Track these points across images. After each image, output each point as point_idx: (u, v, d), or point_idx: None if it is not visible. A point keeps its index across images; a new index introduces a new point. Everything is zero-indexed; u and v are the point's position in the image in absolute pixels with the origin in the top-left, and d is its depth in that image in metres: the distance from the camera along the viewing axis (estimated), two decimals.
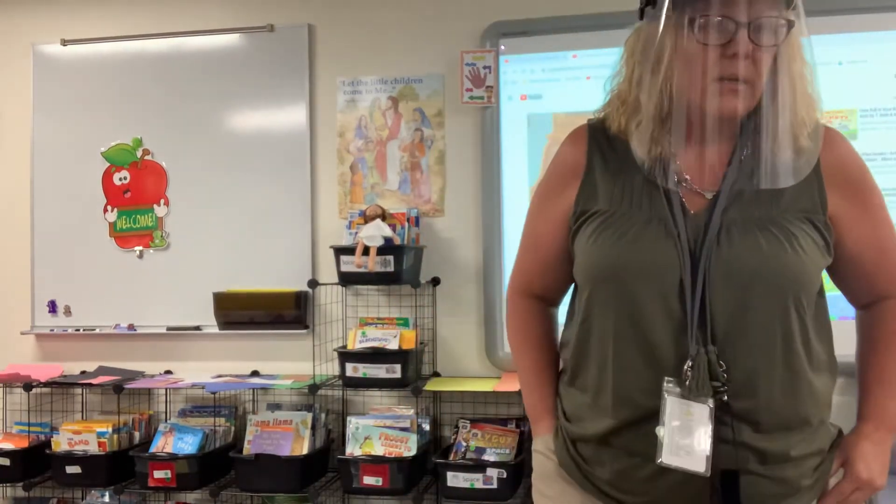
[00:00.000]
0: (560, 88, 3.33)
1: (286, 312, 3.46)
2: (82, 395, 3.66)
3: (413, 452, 3.04)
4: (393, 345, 3.19)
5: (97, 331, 3.68)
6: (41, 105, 3.78)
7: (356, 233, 3.27)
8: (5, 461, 3.35)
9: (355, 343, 3.24)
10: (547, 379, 1.41)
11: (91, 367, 3.64)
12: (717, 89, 1.17)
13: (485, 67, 3.32)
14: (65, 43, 3.76)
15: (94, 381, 3.43)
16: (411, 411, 3.22)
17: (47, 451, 3.30)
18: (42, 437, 3.47)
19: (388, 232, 3.19)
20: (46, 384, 3.47)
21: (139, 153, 3.70)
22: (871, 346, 1.34)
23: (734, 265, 1.17)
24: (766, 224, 1.19)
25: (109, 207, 3.72)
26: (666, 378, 1.18)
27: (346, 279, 3.26)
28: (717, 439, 1.17)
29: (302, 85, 3.56)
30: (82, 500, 3.49)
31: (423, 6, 3.49)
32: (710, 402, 1.16)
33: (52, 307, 3.73)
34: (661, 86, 1.20)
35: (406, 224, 3.33)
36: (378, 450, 3.07)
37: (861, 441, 1.31)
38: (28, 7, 3.84)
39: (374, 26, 3.53)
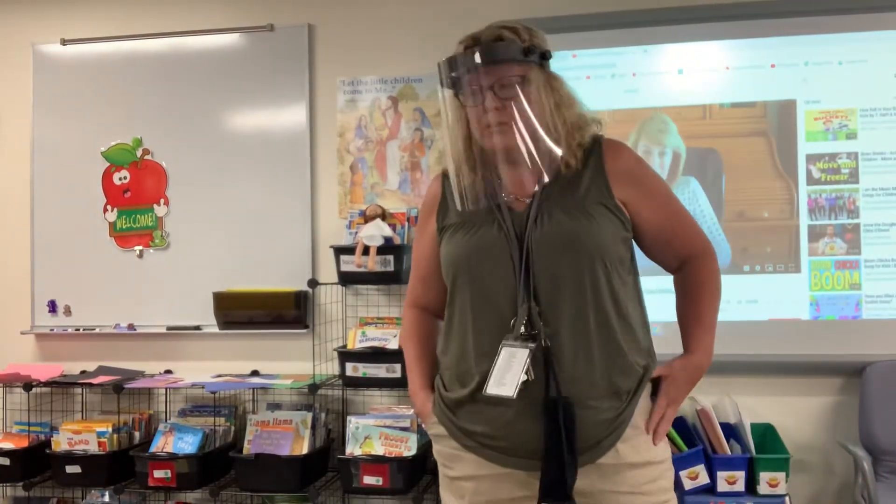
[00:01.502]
0: None
1: (286, 312, 3.46)
2: (82, 394, 3.66)
3: (413, 452, 3.04)
4: (393, 344, 3.19)
5: (97, 331, 3.68)
6: (41, 105, 3.78)
7: (356, 232, 3.27)
8: (5, 461, 3.35)
9: (355, 343, 3.25)
10: (424, 366, 1.76)
11: (91, 366, 3.64)
12: (486, 134, 1.58)
13: None
14: (65, 43, 3.76)
15: (94, 381, 3.43)
16: (411, 411, 3.22)
17: (47, 451, 3.30)
18: (42, 437, 3.47)
19: (387, 231, 3.20)
20: (46, 384, 3.48)
21: (139, 153, 3.70)
22: (686, 298, 1.69)
23: (546, 238, 1.55)
24: (568, 208, 1.58)
25: (109, 207, 3.72)
26: (506, 335, 1.54)
27: (346, 279, 3.27)
28: (545, 377, 1.51)
29: (302, 85, 3.57)
30: (82, 499, 3.49)
31: (423, 6, 3.49)
32: (529, 346, 1.51)
33: (52, 307, 3.73)
34: (457, 136, 1.63)
35: (406, 224, 3.33)
36: (378, 449, 3.07)
37: (677, 368, 1.64)
38: (28, 7, 3.84)
39: (373, 26, 3.53)
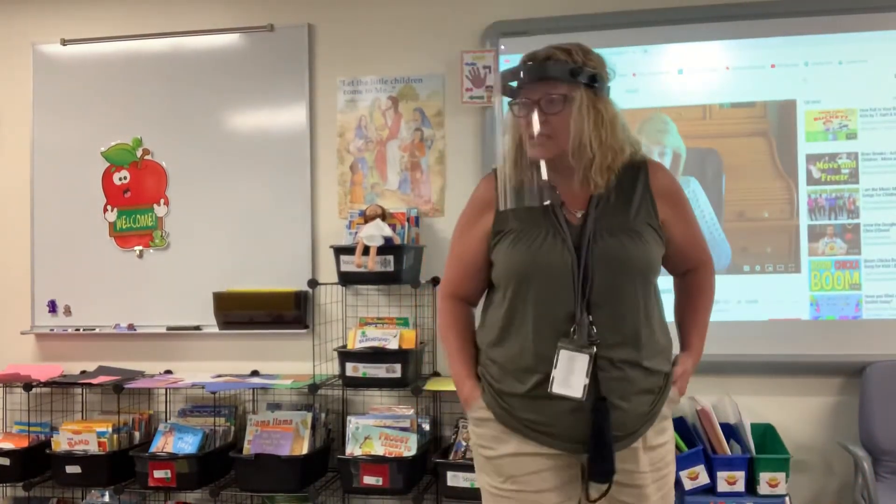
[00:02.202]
0: None
1: (286, 312, 3.46)
2: (82, 395, 3.66)
3: (413, 452, 3.04)
4: (393, 344, 3.19)
5: (97, 331, 3.68)
6: (41, 105, 3.78)
7: (356, 233, 3.27)
8: (5, 461, 3.35)
9: (355, 343, 3.25)
10: (468, 355, 1.91)
11: (91, 367, 3.64)
12: (530, 143, 1.75)
13: (485, 67, 3.32)
14: (65, 43, 3.76)
15: (94, 381, 3.43)
16: (411, 411, 3.22)
17: (47, 451, 3.31)
18: (42, 437, 3.47)
19: (387, 232, 3.19)
20: (46, 384, 3.48)
21: (139, 153, 3.70)
22: (686, 300, 1.94)
23: (605, 256, 1.72)
24: (625, 228, 1.75)
25: (109, 207, 3.72)
26: (560, 338, 1.72)
27: (346, 279, 3.26)
28: (594, 377, 1.71)
29: (302, 85, 3.56)
30: (82, 500, 3.49)
31: (423, 6, 3.49)
32: (588, 352, 1.70)
33: (52, 307, 3.73)
34: (512, 141, 1.80)
35: (406, 224, 3.33)
36: (378, 450, 3.07)
37: (689, 365, 1.90)
38: (28, 7, 3.84)
39: (374, 26, 3.53)
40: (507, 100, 1.81)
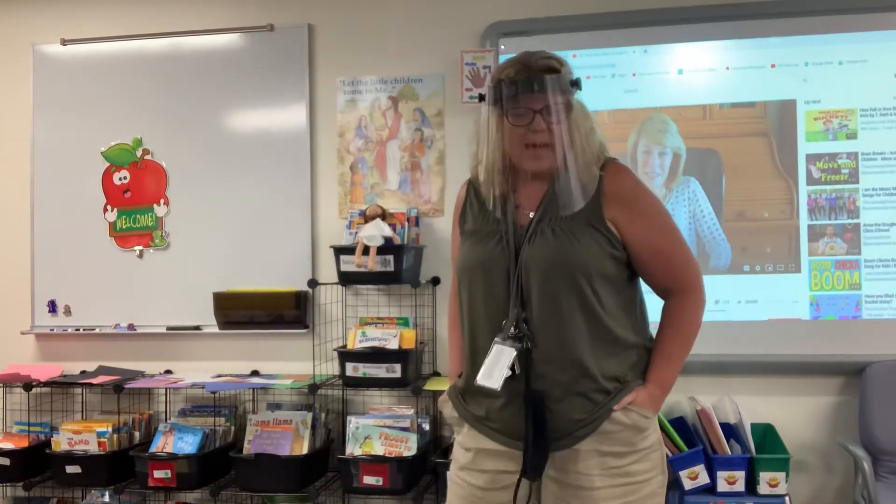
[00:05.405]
0: None
1: (286, 312, 3.46)
2: (82, 395, 3.66)
3: (413, 452, 3.04)
4: (393, 344, 3.20)
5: (97, 331, 3.68)
6: (41, 105, 3.78)
7: (356, 233, 3.27)
8: (5, 461, 3.36)
9: (355, 343, 3.25)
10: (457, 354, 1.96)
11: (91, 366, 3.64)
12: (527, 154, 1.74)
13: (485, 67, 3.32)
14: (65, 43, 3.76)
15: (94, 381, 3.43)
16: (411, 411, 3.22)
17: (47, 451, 3.31)
18: (42, 437, 3.47)
19: (388, 231, 3.19)
20: (46, 384, 3.48)
21: (139, 153, 3.70)
22: (660, 327, 1.84)
23: (534, 256, 1.74)
24: (557, 229, 1.74)
25: (109, 207, 3.72)
26: (498, 334, 1.74)
27: (346, 279, 3.26)
28: (525, 374, 1.72)
29: (302, 85, 3.57)
30: (82, 499, 3.49)
31: (423, 6, 3.49)
32: (516, 346, 1.71)
33: (52, 307, 3.73)
34: (495, 150, 1.77)
35: (406, 224, 3.33)
36: (378, 449, 3.08)
37: (640, 392, 1.77)
38: (28, 7, 3.84)
39: (374, 26, 3.53)
40: (485, 106, 1.78)
